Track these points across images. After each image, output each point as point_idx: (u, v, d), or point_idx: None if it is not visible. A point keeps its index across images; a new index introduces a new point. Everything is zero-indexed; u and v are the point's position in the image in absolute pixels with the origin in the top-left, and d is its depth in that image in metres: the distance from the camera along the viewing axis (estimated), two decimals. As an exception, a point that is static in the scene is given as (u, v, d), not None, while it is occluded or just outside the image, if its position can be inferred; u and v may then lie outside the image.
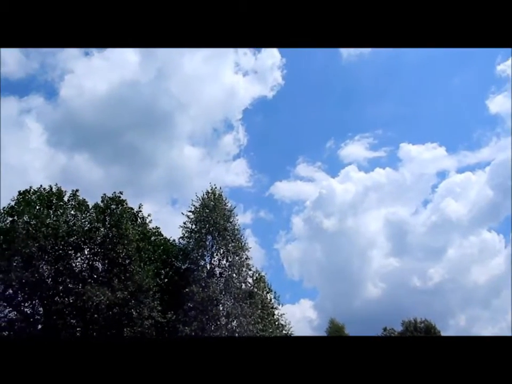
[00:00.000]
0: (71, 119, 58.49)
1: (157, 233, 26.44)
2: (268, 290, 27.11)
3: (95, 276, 23.55)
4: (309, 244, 60.58)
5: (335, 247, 56.19)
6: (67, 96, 61.62)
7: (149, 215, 25.85)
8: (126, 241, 23.18)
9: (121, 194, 24.55)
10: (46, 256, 22.75)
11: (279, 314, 27.32)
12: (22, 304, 23.40)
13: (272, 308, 27.39)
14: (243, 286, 26.74)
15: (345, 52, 65.67)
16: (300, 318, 47.46)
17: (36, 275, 22.03)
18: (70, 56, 66.02)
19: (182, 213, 27.00)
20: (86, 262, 24.05)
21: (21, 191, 23.62)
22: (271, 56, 66.10)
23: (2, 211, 22.97)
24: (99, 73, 64.61)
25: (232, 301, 25.65)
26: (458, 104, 75.86)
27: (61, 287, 23.11)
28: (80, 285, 22.64)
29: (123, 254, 23.07)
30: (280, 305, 27.39)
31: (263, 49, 68.38)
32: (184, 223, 26.60)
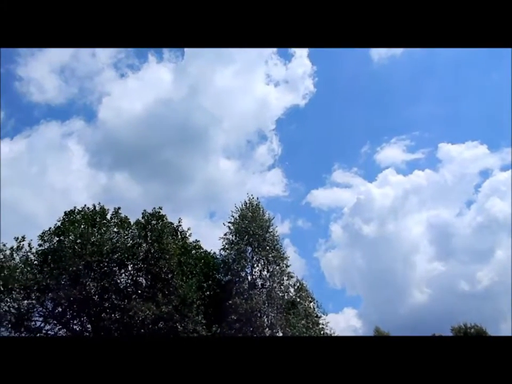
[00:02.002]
0: (110, 139, 60.53)
1: (197, 246, 26.65)
2: (310, 299, 26.68)
3: (140, 291, 23.91)
4: (349, 251, 59.47)
5: (376, 253, 54.90)
6: (105, 118, 63.85)
7: (188, 229, 26.16)
8: (167, 256, 23.47)
9: (161, 209, 24.98)
10: (92, 274, 23.32)
11: (324, 323, 26.83)
12: (71, 321, 24.06)
13: (316, 317, 26.94)
14: (285, 296, 26.52)
15: (376, 55, 64.92)
16: (344, 327, 46.46)
17: (83, 292, 22.59)
18: (106, 79, 68.62)
19: (223, 224, 27.13)
20: (130, 277, 24.51)
21: (67, 212, 24.47)
22: (302, 64, 66.32)
23: (49, 231, 23.78)
24: (134, 93, 66.63)
25: (275, 311, 25.45)
26: (497, 100, 73.00)
27: (107, 304, 23.62)
28: (126, 300, 23.01)
29: (165, 268, 23.35)
30: (325, 314, 26.87)
31: (293, 59, 68.75)
32: (225, 234, 26.75)
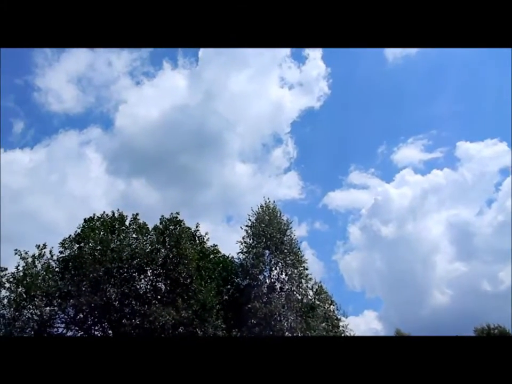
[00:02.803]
0: (127, 146, 61.28)
1: (215, 251, 26.71)
2: (330, 302, 26.48)
3: (159, 297, 24.03)
4: (368, 253, 58.93)
5: (395, 254, 54.30)
6: (122, 125, 64.73)
7: (206, 234, 26.23)
8: (186, 261, 23.56)
9: (178, 215, 25.11)
10: (112, 280, 23.50)
11: (344, 326, 26.59)
12: (92, 327, 24.28)
13: (336, 319, 26.73)
14: (304, 299, 26.37)
15: (390, 54, 64.46)
16: (365, 330, 45.93)
17: (104, 298, 22.81)
18: (122, 87, 69.58)
19: (241, 227, 27.18)
20: (149, 283, 24.63)
21: (86, 219, 24.77)
22: (316, 66, 66.39)
23: (70, 238, 24.08)
24: (150, 100, 67.36)
25: (295, 315, 25.32)
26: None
27: (127, 309, 23.76)
28: (146, 306, 23.13)
29: (184, 273, 23.44)
30: (345, 317, 26.63)
31: (307, 61, 68.71)
32: (243, 238, 26.77)
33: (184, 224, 25.06)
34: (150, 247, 24.41)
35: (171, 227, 24.69)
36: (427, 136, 77.09)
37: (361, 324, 47.09)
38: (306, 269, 27.16)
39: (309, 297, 26.71)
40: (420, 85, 76.03)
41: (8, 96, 67.69)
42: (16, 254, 23.11)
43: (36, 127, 68.12)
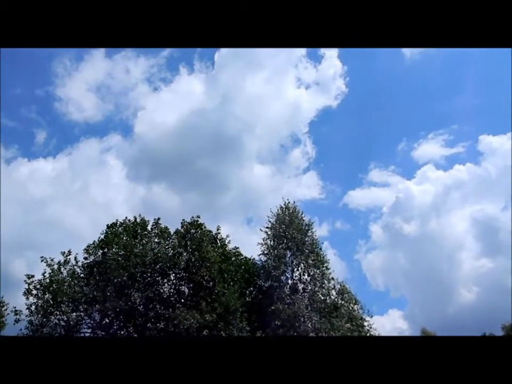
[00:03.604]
0: (147, 152, 62.06)
1: (236, 253, 26.75)
2: (354, 301, 26.22)
3: (183, 300, 24.16)
4: (391, 251, 58.28)
5: (419, 252, 53.53)
6: (141, 131, 65.61)
7: (227, 236, 26.29)
8: (208, 264, 23.65)
9: (199, 218, 25.23)
10: (136, 284, 23.75)
11: (369, 326, 26.28)
12: (118, 332, 24.54)
13: (360, 319, 26.45)
14: (327, 300, 26.19)
15: (407, 50, 63.68)
16: (390, 329, 45.39)
17: (129, 303, 23.06)
18: (140, 93, 70.52)
19: (260, 229, 27.14)
20: (172, 287, 24.80)
21: (109, 224, 25.11)
22: (332, 65, 66.11)
23: (94, 244, 24.43)
24: (168, 106, 68.05)
25: (319, 315, 25.16)
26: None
27: (152, 313, 23.94)
28: (170, 309, 23.30)
29: (207, 276, 23.53)
30: (370, 316, 26.32)
31: (323, 60, 68.42)
32: (263, 239, 26.74)
33: (205, 227, 25.18)
34: (172, 251, 24.58)
35: (192, 231, 24.82)
36: (448, 131, 76.02)
37: (387, 323, 46.56)
38: (329, 269, 27.02)
39: (332, 297, 26.50)
40: (439, 79, 75.13)
41: (30, 107, 69.61)
42: (42, 261, 23.56)
43: (58, 136, 69.62)
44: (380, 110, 77.85)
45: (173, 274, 24.62)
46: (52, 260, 23.70)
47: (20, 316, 22.45)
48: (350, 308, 26.03)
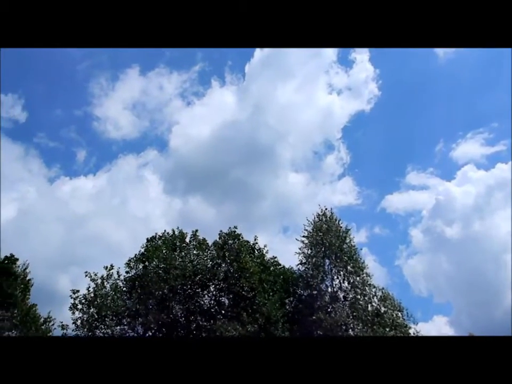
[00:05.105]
0: (182, 165, 63.12)
1: (275, 263, 26.62)
2: (399, 308, 25.50)
3: (223, 311, 24.21)
4: (433, 255, 56.55)
5: (463, 255, 51.70)
6: (176, 145, 66.89)
7: (265, 246, 26.24)
8: (247, 274, 23.64)
9: (236, 229, 25.32)
10: (177, 297, 23.98)
11: (414, 333, 25.49)
12: (161, 344, 24.79)
13: (405, 327, 25.70)
14: (369, 307, 25.63)
15: (440, 50, 62.29)
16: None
17: (171, 315, 23.30)
18: (174, 108, 72.08)
19: (296, 239, 26.92)
20: (213, 298, 24.91)
21: (148, 238, 25.54)
22: (364, 69, 65.60)
23: (135, 258, 24.89)
24: (201, 119, 69.13)
25: (361, 324, 24.64)
26: None
27: (193, 325, 24.13)
28: (211, 321, 23.38)
29: (246, 287, 23.50)
30: (415, 324, 25.52)
31: (355, 65, 67.83)
32: (300, 249, 26.50)
33: (242, 237, 25.23)
34: (211, 263, 24.74)
35: (230, 241, 24.92)
36: (488, 129, 73.48)
37: (432, 330, 44.98)
38: (369, 276, 26.47)
39: (374, 304, 25.90)
40: (475, 77, 72.82)
41: (70, 127, 72.47)
42: (86, 276, 24.18)
43: (97, 154, 71.92)
44: (414, 111, 76.24)
45: (213, 286, 24.74)
46: (96, 275, 24.28)
47: (66, 330, 23.07)
48: (394, 315, 25.36)
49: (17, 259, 23.32)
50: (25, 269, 24.15)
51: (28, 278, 24.25)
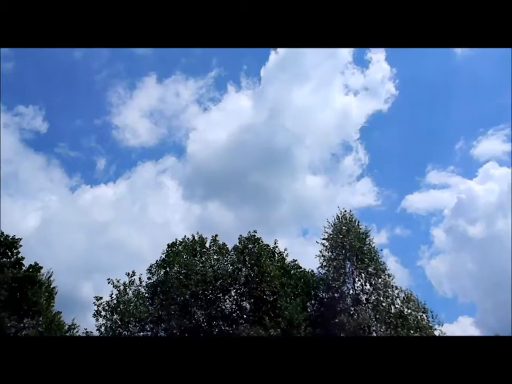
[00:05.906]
0: (200, 171, 63.20)
1: (295, 266, 26.51)
2: (423, 309, 25.09)
3: (245, 316, 24.20)
4: (456, 255, 55.31)
5: (487, 255, 50.50)
6: (194, 151, 67.02)
7: (285, 250, 26.16)
8: (268, 278, 23.59)
9: (256, 233, 25.31)
10: (199, 302, 24.06)
11: (440, 335, 25.04)
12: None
13: (430, 328, 25.27)
14: (392, 309, 25.30)
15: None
16: (461, 338, 42.82)
17: (193, 321, 23.37)
18: (191, 114, 72.61)
19: (316, 242, 26.76)
20: (234, 303, 24.91)
21: (169, 244, 25.71)
22: (380, 69, 64.79)
23: (156, 264, 25.07)
24: (218, 124, 69.35)
25: (385, 326, 24.34)
26: None
27: (215, 330, 24.15)
28: (233, 325, 23.39)
29: (268, 291, 23.45)
30: (440, 325, 25.06)
31: (371, 65, 67.42)
32: (320, 251, 26.34)
33: (262, 241, 25.21)
34: (231, 267, 24.76)
35: (250, 245, 24.93)
36: (509, 125, 71.88)
37: (457, 331, 44.07)
38: (391, 277, 26.15)
39: (397, 306, 25.56)
40: (494, 73, 70.91)
41: (90, 136, 73.68)
42: (109, 282, 24.45)
43: (117, 162, 72.45)
44: (433, 110, 74.69)
45: (234, 290, 24.75)
46: (118, 281, 24.53)
47: (91, 337, 23.32)
48: (418, 317, 24.97)
49: (41, 267, 23.67)
50: (50, 277, 24.50)
51: (52, 286, 24.58)
